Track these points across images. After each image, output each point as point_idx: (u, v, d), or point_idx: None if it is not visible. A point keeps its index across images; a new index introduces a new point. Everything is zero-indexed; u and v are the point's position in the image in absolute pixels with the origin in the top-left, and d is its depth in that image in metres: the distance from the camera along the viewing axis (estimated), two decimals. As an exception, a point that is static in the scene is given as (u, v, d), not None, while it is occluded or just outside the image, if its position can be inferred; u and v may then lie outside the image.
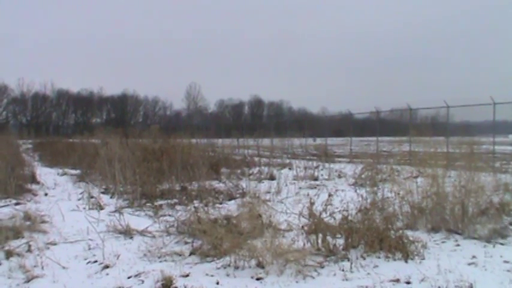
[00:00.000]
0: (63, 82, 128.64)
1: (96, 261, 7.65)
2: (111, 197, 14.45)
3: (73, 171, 22.68)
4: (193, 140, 25.81)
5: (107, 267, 7.34)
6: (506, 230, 8.83)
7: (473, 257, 7.43)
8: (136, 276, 6.87)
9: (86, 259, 7.83)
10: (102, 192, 15.23)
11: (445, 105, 26.10)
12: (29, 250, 8.18)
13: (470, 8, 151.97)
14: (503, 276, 6.49)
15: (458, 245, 8.22)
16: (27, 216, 10.67)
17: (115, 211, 11.84)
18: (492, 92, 24.57)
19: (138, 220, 10.64)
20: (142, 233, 9.46)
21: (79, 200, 13.99)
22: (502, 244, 8.21)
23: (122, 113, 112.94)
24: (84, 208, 12.49)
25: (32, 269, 7.16)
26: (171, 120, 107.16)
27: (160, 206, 12.54)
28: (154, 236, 9.15)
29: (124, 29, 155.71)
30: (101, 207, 12.52)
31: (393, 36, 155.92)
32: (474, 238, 8.58)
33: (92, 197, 13.64)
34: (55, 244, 8.78)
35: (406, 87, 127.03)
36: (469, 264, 7.10)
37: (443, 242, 8.44)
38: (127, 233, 9.43)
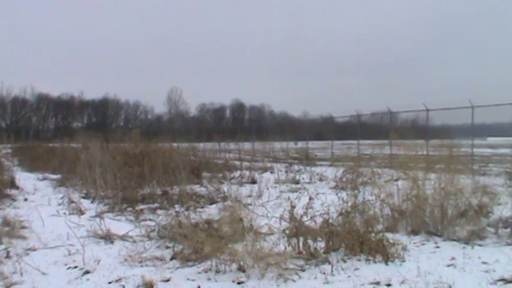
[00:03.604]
0: (43, 86, 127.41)
1: (76, 267, 7.59)
2: (91, 202, 14.35)
3: (53, 176, 22.53)
4: (175, 144, 25.79)
5: (87, 272, 7.30)
6: (484, 232, 8.93)
7: (453, 258, 7.51)
8: (117, 281, 6.84)
9: (66, 265, 7.77)
10: (83, 197, 15.16)
11: (425, 108, 26.33)
12: (8, 256, 8.09)
13: (459, 12, 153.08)
14: (481, 277, 6.55)
15: (437, 247, 8.30)
16: (6, 222, 10.57)
17: (95, 216, 11.78)
18: (473, 95, 24.83)
19: (119, 225, 10.59)
20: (123, 237, 9.41)
21: (59, 205, 13.88)
22: (480, 245, 8.29)
23: (103, 117, 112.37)
24: (65, 213, 12.39)
25: (10, 276, 7.09)
26: (152, 124, 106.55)
27: (141, 210, 12.51)
28: (135, 241, 9.12)
29: (104, 32, 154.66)
30: (82, 212, 12.44)
31: (373, 40, 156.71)
32: (453, 240, 8.67)
33: (72, 202, 13.58)
34: (34, 250, 8.71)
35: (388, 91, 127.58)
36: (448, 265, 7.17)
37: (423, 244, 8.51)
38: (108, 238, 9.37)
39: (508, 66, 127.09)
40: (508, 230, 8.90)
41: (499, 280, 6.40)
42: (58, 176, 21.88)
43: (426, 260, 7.33)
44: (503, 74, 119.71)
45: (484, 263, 7.23)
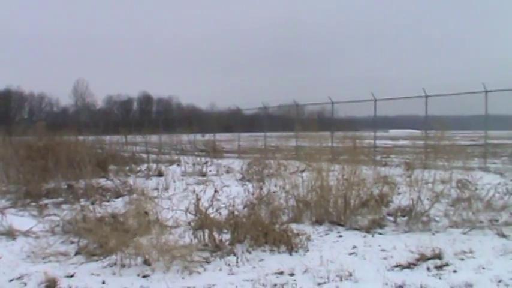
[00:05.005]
0: None
1: (-27, 266, 7.31)
2: (-8, 198, 13.79)
3: (-51, 172, 21.48)
4: (80, 137, 25.20)
5: (-14, 271, 7.03)
6: (384, 220, 9.30)
7: (354, 247, 7.75)
8: (18, 278, 6.62)
9: (-38, 264, 7.46)
10: (-17, 194, 14.56)
11: (330, 101, 26.93)
12: None
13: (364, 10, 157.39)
14: (379, 263, 6.80)
15: (340, 236, 8.54)
16: None
17: (-4, 212, 11.34)
18: (377, 89, 25.68)
19: (21, 220, 10.22)
20: (25, 233, 9.12)
21: (-44, 202, 13.27)
22: (380, 234, 8.62)
23: (5, 110, 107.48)
24: (-38, 211, 11.85)
25: None
26: (57, 116, 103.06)
27: (46, 205, 12.15)
28: (38, 237, 8.85)
29: (8, 20, 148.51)
30: (-19, 209, 11.95)
31: (281, 33, 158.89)
32: (355, 229, 8.95)
33: (-28, 199, 13.01)
34: None
35: (297, 83, 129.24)
36: (350, 254, 7.39)
37: (326, 234, 8.73)
38: (9, 234, 9.05)
39: (407, 63, 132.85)
40: (406, 218, 9.27)
41: (396, 266, 6.66)
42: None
43: (329, 249, 7.52)
44: (403, 69, 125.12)
45: (383, 250, 7.51)
